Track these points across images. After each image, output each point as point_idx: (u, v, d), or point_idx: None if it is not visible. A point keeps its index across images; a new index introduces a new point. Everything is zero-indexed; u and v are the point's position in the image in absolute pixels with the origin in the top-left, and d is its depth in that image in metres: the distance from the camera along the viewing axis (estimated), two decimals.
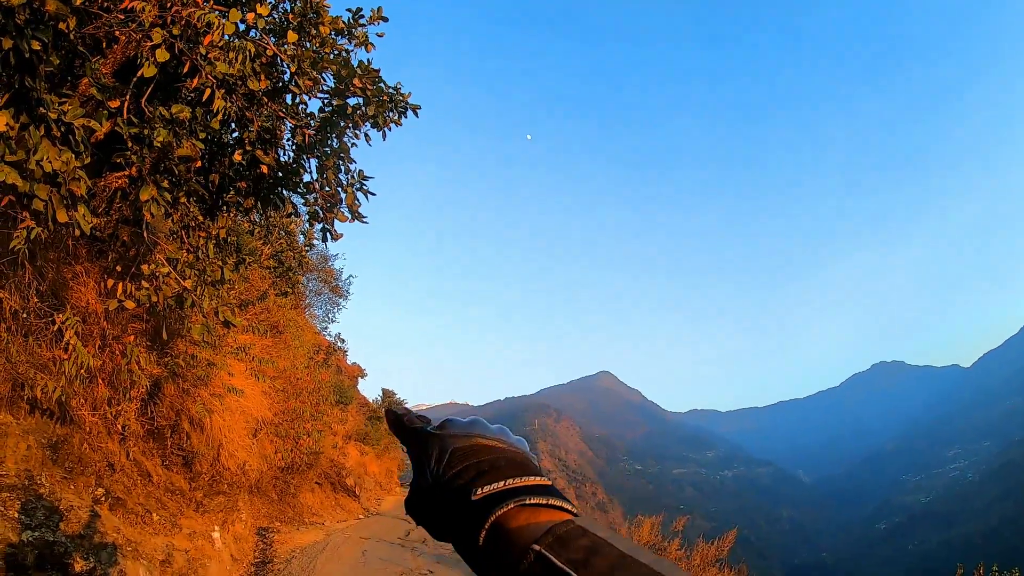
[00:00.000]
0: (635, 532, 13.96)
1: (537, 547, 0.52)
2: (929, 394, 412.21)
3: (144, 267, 5.67)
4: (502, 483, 0.60)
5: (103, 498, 6.56)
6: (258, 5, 5.22)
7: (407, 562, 14.53)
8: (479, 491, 0.60)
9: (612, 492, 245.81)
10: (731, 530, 13.04)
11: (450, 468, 0.65)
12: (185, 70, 5.01)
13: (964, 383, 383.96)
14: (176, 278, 5.73)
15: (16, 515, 5.05)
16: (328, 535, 16.55)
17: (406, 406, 0.85)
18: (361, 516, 22.91)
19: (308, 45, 5.74)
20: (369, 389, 72.62)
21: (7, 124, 3.87)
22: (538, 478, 0.63)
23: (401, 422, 0.78)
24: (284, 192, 6.64)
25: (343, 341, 33.01)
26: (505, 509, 0.59)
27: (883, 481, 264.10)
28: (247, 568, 10.92)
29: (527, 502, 0.58)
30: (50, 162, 4.06)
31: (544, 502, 0.59)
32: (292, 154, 6.43)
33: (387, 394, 41.34)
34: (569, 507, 0.60)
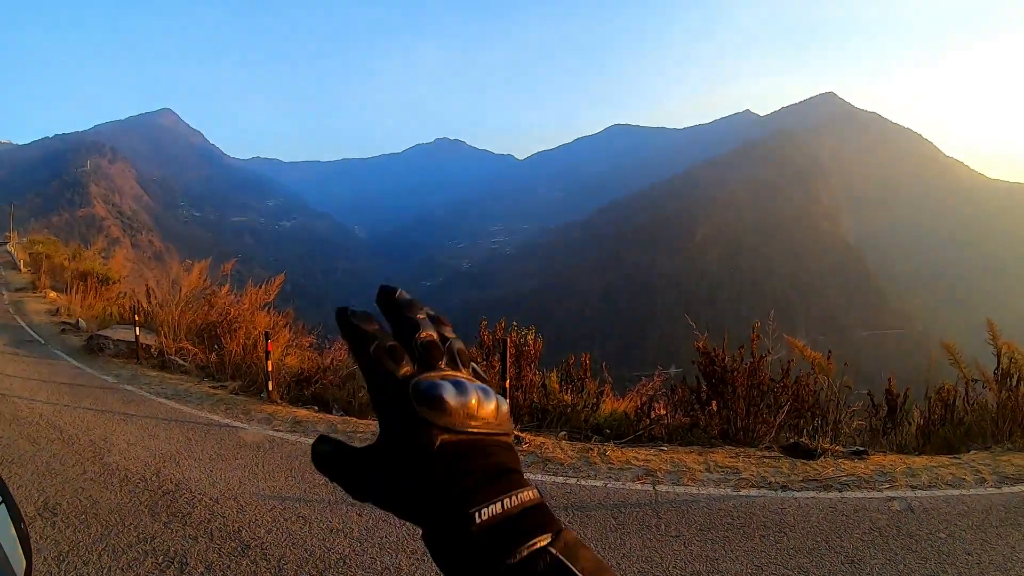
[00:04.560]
0: (185, 278, 14.82)
1: (554, 551, 0.50)
2: (483, 175, 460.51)
3: None
4: (499, 505, 0.53)
5: None
6: None
7: None
8: (478, 519, 0.51)
9: (169, 240, 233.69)
10: (279, 276, 13.85)
11: (434, 473, 0.54)
12: None
13: (516, 172, 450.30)
14: None
15: None
16: None
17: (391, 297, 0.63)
18: None
19: None
20: None
21: None
22: (529, 490, 0.55)
23: (364, 347, 0.57)
24: None
25: None
26: (518, 559, 0.51)
27: (432, 243, 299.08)
28: None
29: (536, 546, 0.51)
30: None
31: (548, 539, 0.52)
32: None
33: None
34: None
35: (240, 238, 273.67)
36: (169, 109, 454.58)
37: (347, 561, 4.36)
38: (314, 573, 4.22)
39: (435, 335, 0.61)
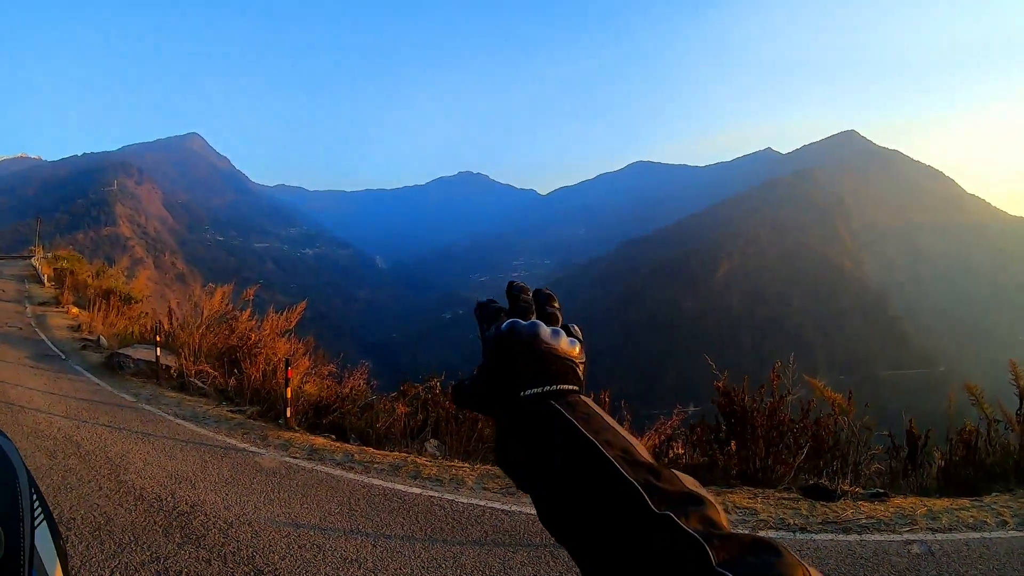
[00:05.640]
0: (206, 301, 14.79)
1: (554, 403, 0.76)
2: (506, 209, 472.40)
3: None
4: (540, 389, 0.78)
5: None
6: None
7: None
8: (522, 394, 0.79)
9: (192, 262, 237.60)
10: (300, 303, 14.03)
11: (506, 369, 0.81)
12: None
13: (538, 207, 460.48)
14: None
15: None
16: None
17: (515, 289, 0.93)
18: None
19: None
20: None
21: None
22: (570, 386, 0.81)
23: (483, 310, 0.92)
24: None
25: None
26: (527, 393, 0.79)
27: (452, 276, 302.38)
28: None
29: (554, 401, 0.77)
30: None
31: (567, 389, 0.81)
32: None
33: None
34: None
35: (262, 264, 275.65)
36: (197, 134, 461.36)
37: None
38: None
39: (530, 299, 0.90)
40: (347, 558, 4.82)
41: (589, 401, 0.81)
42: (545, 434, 0.76)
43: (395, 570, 4.66)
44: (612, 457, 0.70)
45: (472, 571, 4.70)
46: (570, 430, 0.74)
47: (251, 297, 14.92)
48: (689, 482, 0.69)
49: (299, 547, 4.97)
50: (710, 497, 0.66)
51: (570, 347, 0.84)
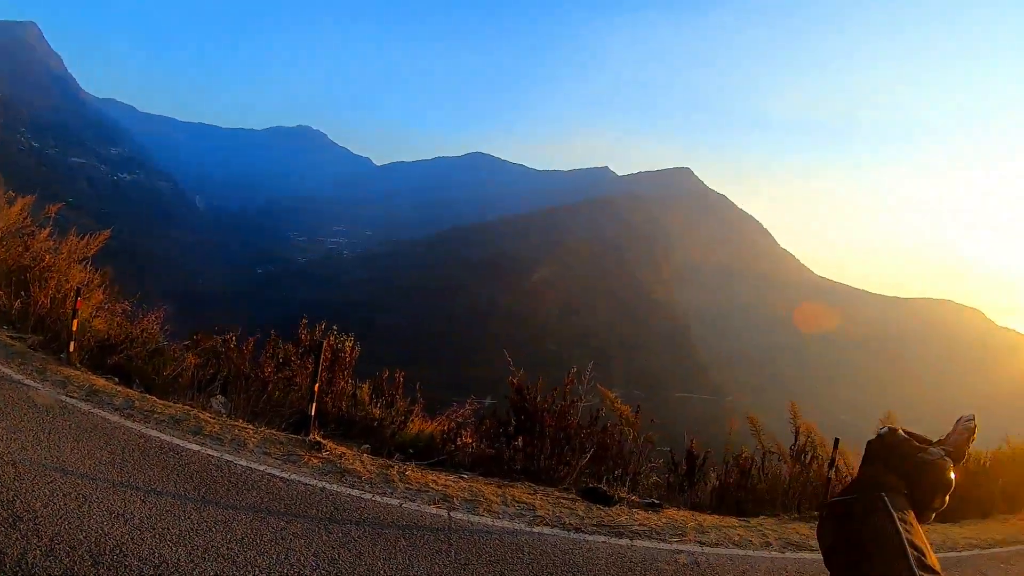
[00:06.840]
0: (4, 211, 13.47)
1: (884, 496, 0.99)
2: (337, 172, 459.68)
3: None
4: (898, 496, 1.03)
5: None
6: None
7: None
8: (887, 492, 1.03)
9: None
10: (105, 231, 13.33)
11: (912, 479, 1.06)
12: None
13: (370, 177, 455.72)
14: None
15: None
16: None
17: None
18: None
19: None
20: None
21: None
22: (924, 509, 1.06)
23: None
24: None
25: None
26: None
27: (271, 230, 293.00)
28: None
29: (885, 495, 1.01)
30: None
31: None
32: None
33: None
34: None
35: (74, 181, 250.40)
36: (34, 23, 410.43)
37: (124, 549, 4.10)
38: (87, 558, 3.93)
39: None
40: (114, 512, 4.56)
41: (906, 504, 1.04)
42: (868, 519, 1.00)
43: (163, 529, 4.47)
44: (910, 555, 0.93)
45: (243, 537, 4.58)
46: (890, 522, 0.98)
47: (53, 215, 13.80)
48: None
49: (64, 495, 4.65)
50: None
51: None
